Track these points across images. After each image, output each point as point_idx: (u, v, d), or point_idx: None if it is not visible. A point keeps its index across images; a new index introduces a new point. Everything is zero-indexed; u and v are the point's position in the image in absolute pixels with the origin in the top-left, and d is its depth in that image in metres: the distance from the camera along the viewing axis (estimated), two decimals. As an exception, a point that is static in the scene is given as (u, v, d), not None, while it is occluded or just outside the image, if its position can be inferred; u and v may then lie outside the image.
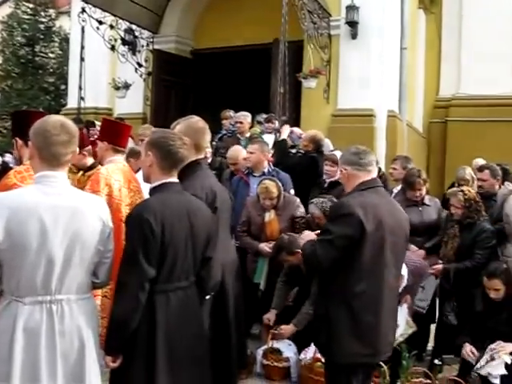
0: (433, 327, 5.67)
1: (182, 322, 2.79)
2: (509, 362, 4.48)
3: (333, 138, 8.32)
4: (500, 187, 6.04)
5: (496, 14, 12.47)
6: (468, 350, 4.61)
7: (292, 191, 5.80)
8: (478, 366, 4.54)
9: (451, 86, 12.98)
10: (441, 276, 5.23)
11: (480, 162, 7.80)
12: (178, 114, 11.73)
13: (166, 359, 2.69)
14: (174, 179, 2.96)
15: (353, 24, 9.40)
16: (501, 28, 12.48)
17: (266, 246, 5.33)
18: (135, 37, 11.30)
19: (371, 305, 3.18)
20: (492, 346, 4.55)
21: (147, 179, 3.03)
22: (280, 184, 5.36)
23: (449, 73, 13.08)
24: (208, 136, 3.66)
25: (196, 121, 3.63)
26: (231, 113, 8.67)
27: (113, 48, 10.89)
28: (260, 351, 5.14)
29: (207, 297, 3.40)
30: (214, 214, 3.22)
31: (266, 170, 5.83)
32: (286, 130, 7.04)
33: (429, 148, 12.92)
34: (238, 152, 6.26)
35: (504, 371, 4.48)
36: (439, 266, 5.13)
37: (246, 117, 8.14)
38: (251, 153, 5.81)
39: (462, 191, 5.11)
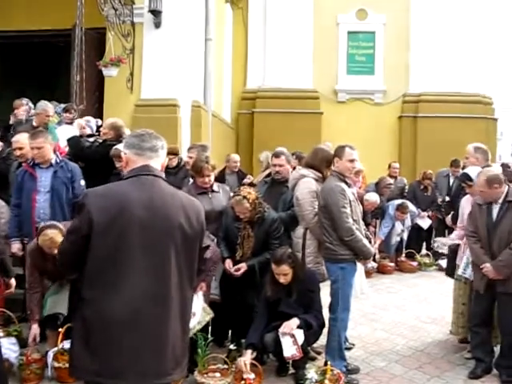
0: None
1: None
2: (300, 337, 4.67)
3: (137, 128, 8.09)
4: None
5: (298, 12, 13.20)
6: (242, 363, 4.55)
7: (82, 182, 5.49)
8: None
9: (257, 79, 13.48)
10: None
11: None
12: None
13: None
14: None
15: (156, 13, 9.25)
16: (302, 26, 13.24)
17: None
18: None
19: (103, 316, 2.57)
20: (280, 330, 4.70)
21: None
22: (63, 227, 4.87)
23: (255, 66, 13.58)
24: None
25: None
26: (24, 101, 8.06)
27: None
28: (50, 353, 4.80)
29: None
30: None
31: (53, 161, 5.44)
32: (76, 126, 6.66)
33: (237, 138, 13.28)
34: (25, 136, 5.81)
35: (293, 349, 4.66)
36: (243, 266, 5.09)
37: (50, 108, 7.60)
38: (38, 148, 5.36)
39: (245, 197, 5.03)
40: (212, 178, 5.51)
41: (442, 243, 5.80)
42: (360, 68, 13.88)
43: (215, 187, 5.58)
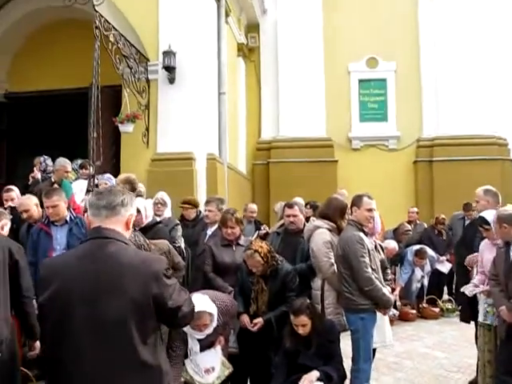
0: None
1: None
2: None
3: (153, 182, 8.25)
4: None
5: (310, 62, 13.46)
6: None
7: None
8: None
9: (271, 129, 13.67)
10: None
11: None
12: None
13: None
14: None
15: (170, 69, 9.45)
16: (314, 75, 13.47)
17: None
18: None
19: None
20: (300, 383, 4.58)
21: None
22: None
23: (269, 116, 13.79)
24: None
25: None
26: (42, 158, 8.25)
27: None
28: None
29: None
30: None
31: (68, 218, 5.50)
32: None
33: (253, 189, 13.35)
34: (29, 199, 5.95)
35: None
36: (260, 321, 5.01)
37: (68, 164, 7.75)
38: (53, 206, 5.41)
39: (256, 251, 4.97)
40: (237, 230, 5.62)
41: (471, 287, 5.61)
42: (373, 115, 13.99)
43: (241, 241, 5.65)
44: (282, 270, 5.12)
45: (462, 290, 5.52)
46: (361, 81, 14.01)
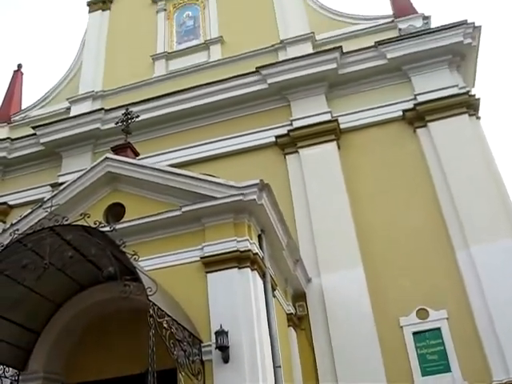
0: None
1: None
2: None
3: None
4: None
5: (359, 320, 13.68)
6: None
7: None
8: None
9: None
10: None
11: None
12: None
13: None
14: None
15: (223, 348, 9.56)
16: (366, 332, 13.53)
17: None
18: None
19: None
20: None
21: None
22: None
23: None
24: None
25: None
26: None
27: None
28: None
29: None
30: None
31: None
32: None
33: None
34: None
35: None
36: None
37: None
38: None
39: None
40: None
41: None
42: (434, 367, 13.42)
43: None
44: None
45: None
46: (415, 333, 13.81)
